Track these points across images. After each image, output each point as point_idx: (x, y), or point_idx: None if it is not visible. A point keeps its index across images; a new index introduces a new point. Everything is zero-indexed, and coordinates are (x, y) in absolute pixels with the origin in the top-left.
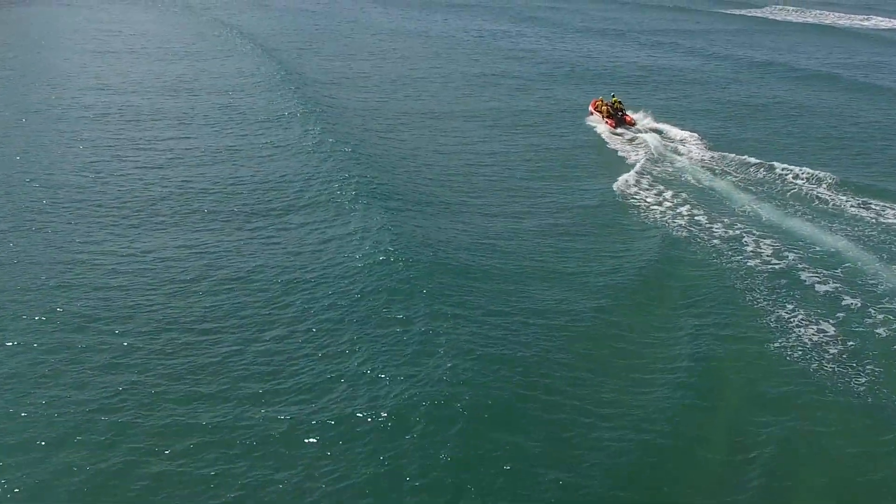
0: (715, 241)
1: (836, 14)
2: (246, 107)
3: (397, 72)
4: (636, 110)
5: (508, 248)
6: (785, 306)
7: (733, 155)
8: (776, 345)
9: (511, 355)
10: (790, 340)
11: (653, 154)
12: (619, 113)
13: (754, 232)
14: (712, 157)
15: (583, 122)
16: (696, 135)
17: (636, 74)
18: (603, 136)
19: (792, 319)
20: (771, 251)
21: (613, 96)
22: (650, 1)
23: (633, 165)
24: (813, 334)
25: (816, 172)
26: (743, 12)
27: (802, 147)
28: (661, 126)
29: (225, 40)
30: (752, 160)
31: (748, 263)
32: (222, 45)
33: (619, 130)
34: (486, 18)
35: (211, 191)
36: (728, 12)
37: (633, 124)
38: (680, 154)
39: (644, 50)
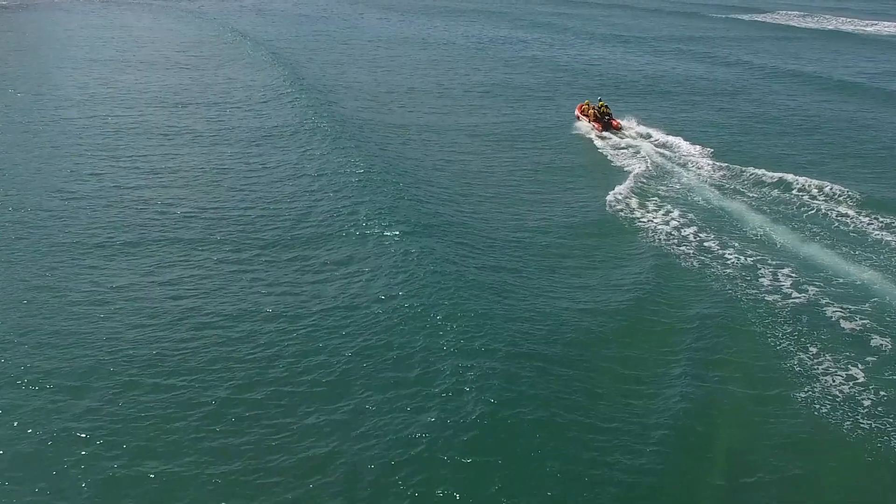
0: (727, 270)
1: (841, 19)
2: (236, 121)
3: (395, 81)
4: (649, 125)
5: (516, 283)
6: (807, 348)
7: (744, 170)
8: (801, 395)
9: (533, 419)
10: (816, 391)
11: (658, 170)
12: (606, 117)
13: (770, 260)
14: (721, 174)
15: (586, 140)
16: (704, 148)
17: (641, 83)
18: (604, 151)
19: (817, 365)
20: (789, 283)
21: (600, 100)
22: (651, 5)
23: (638, 184)
24: (842, 382)
25: (835, 190)
26: (748, 17)
27: (819, 161)
28: (668, 139)
29: (219, 48)
30: (765, 177)
31: (766, 298)
32: (216, 54)
33: (622, 144)
34: (486, 24)
35: (195, 217)
36: (733, 17)
37: (620, 128)
38: (687, 169)
39: (646, 57)
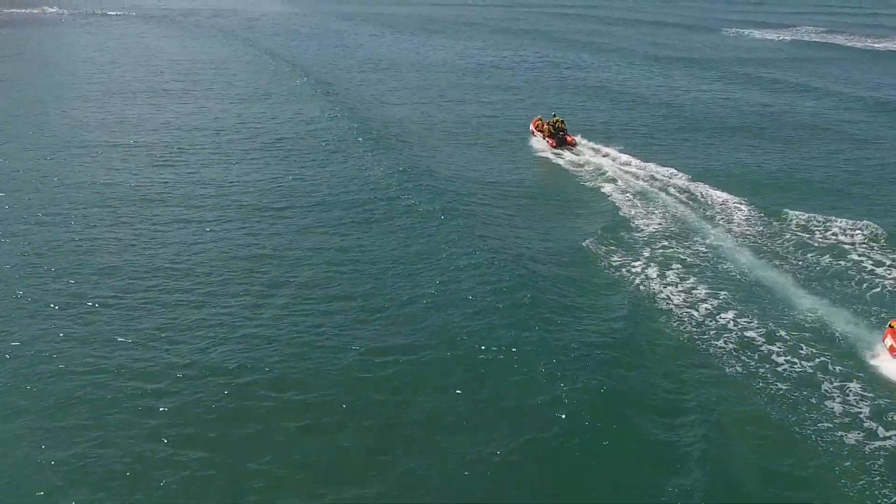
0: (780, 385)
1: (868, 36)
2: (200, 174)
3: (381, 111)
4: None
5: (519, 345)
6: None
7: (786, 227)
8: None
9: None
10: None
11: (683, 227)
12: (561, 133)
13: (831, 366)
14: (758, 230)
15: (599, 193)
16: (736, 198)
17: (650, 113)
18: (613, 198)
19: None
20: (868, 408)
21: (554, 115)
22: (659, 18)
23: (659, 248)
24: None
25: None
26: (764, 33)
27: (873, 214)
28: (697, 187)
29: (205, 73)
30: (811, 237)
31: (844, 438)
32: (199, 78)
33: (629, 179)
34: (486, 40)
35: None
36: (747, 32)
37: (575, 145)
38: (715, 224)
39: (656, 78)
